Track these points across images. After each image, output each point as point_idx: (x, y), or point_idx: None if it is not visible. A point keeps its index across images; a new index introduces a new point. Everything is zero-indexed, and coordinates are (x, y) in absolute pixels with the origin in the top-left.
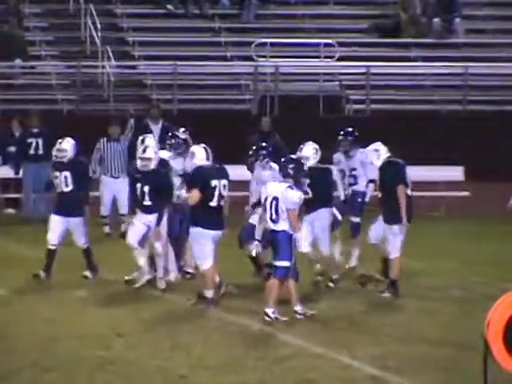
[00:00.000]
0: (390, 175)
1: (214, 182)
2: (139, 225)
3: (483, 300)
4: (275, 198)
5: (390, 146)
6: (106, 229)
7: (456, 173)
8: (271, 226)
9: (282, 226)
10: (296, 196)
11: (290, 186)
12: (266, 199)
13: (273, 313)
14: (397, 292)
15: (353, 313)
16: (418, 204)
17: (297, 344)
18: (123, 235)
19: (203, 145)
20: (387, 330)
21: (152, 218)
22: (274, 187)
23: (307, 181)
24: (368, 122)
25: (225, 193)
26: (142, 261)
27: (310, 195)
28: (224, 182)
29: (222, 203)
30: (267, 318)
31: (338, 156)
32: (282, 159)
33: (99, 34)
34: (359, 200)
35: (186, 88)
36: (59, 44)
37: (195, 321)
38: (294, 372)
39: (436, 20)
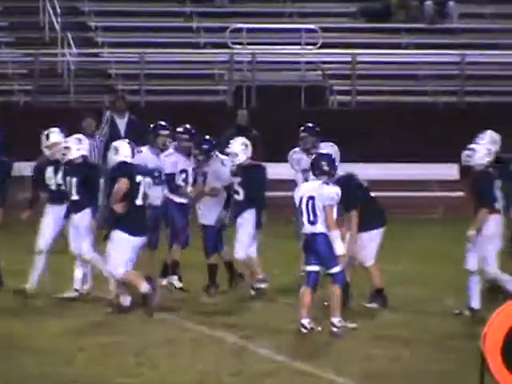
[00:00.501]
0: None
1: (138, 178)
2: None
3: (481, 310)
4: (311, 198)
5: (377, 141)
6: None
7: (451, 171)
8: (309, 229)
9: (321, 228)
10: (333, 191)
11: (324, 182)
12: (300, 201)
13: (309, 323)
14: (385, 302)
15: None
16: (414, 205)
17: (276, 359)
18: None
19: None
20: (375, 345)
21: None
22: (308, 186)
23: (237, 179)
24: (354, 115)
25: (150, 192)
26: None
27: (240, 196)
28: (148, 179)
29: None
30: (303, 330)
31: (298, 155)
32: (313, 156)
33: (59, 19)
34: None
35: (155, 78)
36: (15, 30)
37: (164, 333)
38: None
39: (428, 3)
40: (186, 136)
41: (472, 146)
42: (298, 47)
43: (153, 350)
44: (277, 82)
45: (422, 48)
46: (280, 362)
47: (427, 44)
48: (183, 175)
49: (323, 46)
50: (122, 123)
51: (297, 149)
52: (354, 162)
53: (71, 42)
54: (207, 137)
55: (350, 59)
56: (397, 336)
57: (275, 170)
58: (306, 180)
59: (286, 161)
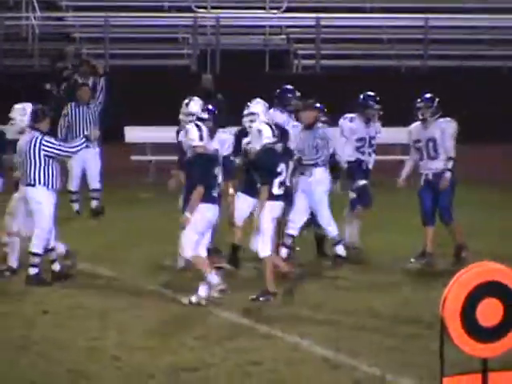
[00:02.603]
0: None
1: None
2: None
3: (444, 274)
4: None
5: (341, 105)
6: (75, 206)
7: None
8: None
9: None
10: None
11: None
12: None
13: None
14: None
15: (303, 289)
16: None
17: (241, 323)
18: (96, 213)
19: None
20: (340, 308)
21: None
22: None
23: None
24: (318, 79)
25: None
26: None
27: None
28: None
29: None
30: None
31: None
32: None
33: None
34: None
35: (119, 42)
36: None
37: (128, 297)
38: (237, 353)
39: None
40: None
41: None
42: (263, 11)
43: (117, 314)
44: (241, 46)
45: (386, 12)
46: (244, 325)
47: (391, 8)
48: None
49: (288, 9)
50: None
51: (352, 115)
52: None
53: (35, 6)
54: None
55: (314, 23)
56: (361, 300)
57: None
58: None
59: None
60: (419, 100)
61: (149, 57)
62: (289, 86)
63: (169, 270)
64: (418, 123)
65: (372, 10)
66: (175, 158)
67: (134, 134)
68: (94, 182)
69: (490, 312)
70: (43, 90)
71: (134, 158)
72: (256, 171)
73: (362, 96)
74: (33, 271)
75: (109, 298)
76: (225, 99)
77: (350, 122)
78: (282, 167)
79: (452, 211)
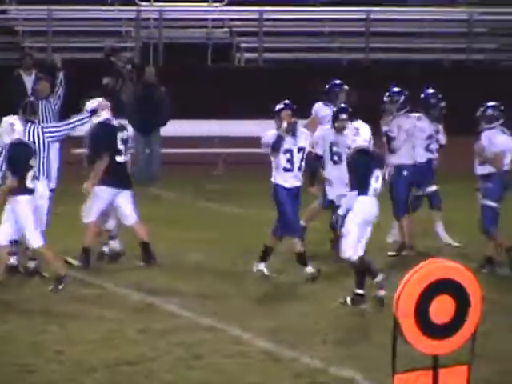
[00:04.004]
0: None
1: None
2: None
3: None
4: None
5: (285, 98)
6: None
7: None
8: None
9: None
10: None
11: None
12: None
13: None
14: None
15: (244, 283)
16: None
17: (183, 315)
18: None
19: None
20: (282, 301)
21: None
22: None
23: None
24: (261, 72)
25: None
26: None
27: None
28: None
29: None
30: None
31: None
32: None
33: None
34: None
35: (62, 35)
36: None
37: (70, 291)
38: (180, 346)
39: None
40: None
41: None
42: (205, 4)
43: (59, 309)
44: (184, 40)
45: (328, 5)
46: (187, 317)
47: (333, 1)
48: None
49: (230, 2)
50: (29, 80)
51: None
52: (265, 119)
53: None
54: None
55: (257, 16)
56: (307, 293)
57: (181, 128)
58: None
59: (192, 117)
60: (387, 94)
61: (92, 50)
62: (337, 81)
63: (110, 264)
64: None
65: (314, 3)
66: None
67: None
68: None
69: (442, 309)
70: None
71: (74, 151)
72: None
73: (424, 95)
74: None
75: (50, 292)
76: (168, 92)
77: (418, 121)
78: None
79: (402, 207)
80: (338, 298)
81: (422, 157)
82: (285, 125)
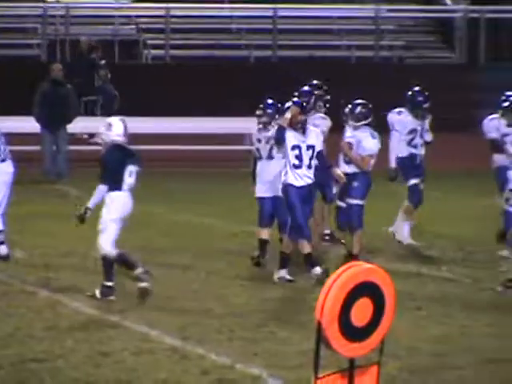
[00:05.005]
0: None
1: None
2: None
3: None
4: None
5: (191, 95)
6: None
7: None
8: None
9: None
10: None
11: None
12: None
13: None
14: None
15: (151, 281)
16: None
17: (90, 313)
18: None
19: None
20: (189, 298)
21: None
22: None
23: None
24: (168, 69)
25: None
26: None
27: None
28: None
29: None
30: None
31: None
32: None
33: None
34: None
35: None
36: None
37: None
38: (87, 343)
39: None
40: None
41: None
42: (112, 1)
43: None
44: (91, 36)
45: (236, 2)
46: (93, 315)
47: None
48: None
49: (137, 0)
50: None
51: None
52: (169, 115)
53: None
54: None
55: (163, 13)
56: (213, 290)
57: (89, 125)
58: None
59: (100, 114)
60: (296, 94)
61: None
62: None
63: (16, 261)
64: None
65: (221, 0)
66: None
67: None
68: None
69: (362, 312)
70: None
71: None
72: None
73: (409, 92)
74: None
75: None
76: (74, 88)
77: (399, 115)
78: None
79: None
80: (242, 295)
81: (403, 151)
82: (288, 115)
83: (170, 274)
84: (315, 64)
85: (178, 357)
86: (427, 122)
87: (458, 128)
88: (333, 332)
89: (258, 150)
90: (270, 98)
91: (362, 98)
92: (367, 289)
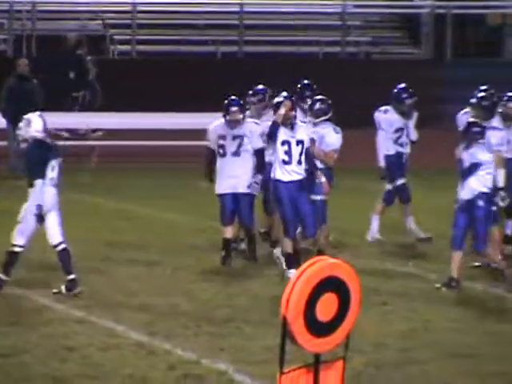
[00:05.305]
0: None
1: None
2: None
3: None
4: None
5: (157, 91)
6: None
7: None
8: None
9: None
10: None
11: None
12: None
13: None
14: None
15: (115, 276)
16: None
17: (56, 308)
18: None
19: None
20: (155, 294)
21: None
22: None
23: None
24: (134, 64)
25: None
26: None
27: None
28: None
29: None
30: None
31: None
32: None
33: None
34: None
35: None
36: None
37: None
38: (52, 339)
39: None
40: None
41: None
42: None
43: None
44: (57, 32)
45: None
46: (59, 310)
47: None
48: None
49: None
50: None
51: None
52: (135, 111)
53: None
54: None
55: (130, 9)
56: (179, 286)
57: (54, 120)
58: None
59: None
60: (250, 92)
61: None
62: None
63: None
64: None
65: None
66: None
67: None
68: None
69: (327, 307)
70: None
71: None
72: None
73: (395, 89)
74: None
75: None
76: (40, 84)
77: (385, 114)
78: None
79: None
80: (209, 291)
81: (390, 149)
82: (282, 111)
83: (136, 269)
84: (282, 60)
85: (145, 352)
86: (413, 121)
87: (424, 123)
88: (298, 327)
89: (221, 146)
90: (234, 95)
91: (328, 94)
92: (332, 284)
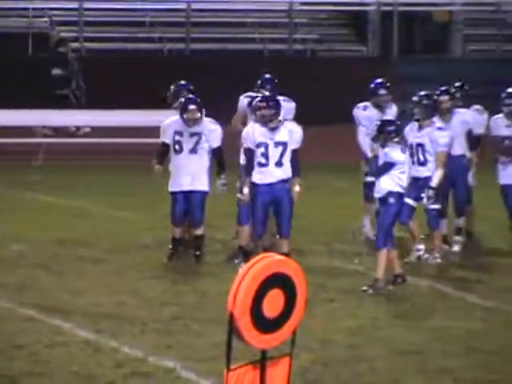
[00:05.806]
0: None
1: None
2: None
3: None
4: None
5: (108, 88)
6: None
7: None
8: None
9: None
10: None
11: None
12: None
13: None
14: None
15: (64, 275)
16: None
17: (3, 306)
18: None
19: None
20: (102, 291)
21: None
22: None
23: None
24: (82, 62)
25: None
26: None
27: None
28: None
29: None
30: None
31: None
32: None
33: None
34: None
35: None
36: None
37: None
38: (1, 337)
39: None
40: None
41: None
42: None
43: None
44: (4, 29)
45: None
46: (6, 308)
47: None
48: None
49: None
50: None
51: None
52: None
53: None
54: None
55: (77, 6)
56: (126, 284)
57: (9, 117)
58: None
59: (13, 107)
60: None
61: None
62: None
63: None
64: None
65: None
66: None
67: None
68: None
69: (273, 303)
70: None
71: None
72: None
73: (372, 84)
74: None
75: None
76: None
77: (364, 111)
78: None
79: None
80: (156, 288)
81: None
82: (245, 191)
83: (83, 266)
84: (229, 57)
85: (92, 350)
86: (393, 116)
87: None
88: (245, 323)
89: (178, 142)
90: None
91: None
92: (279, 280)
